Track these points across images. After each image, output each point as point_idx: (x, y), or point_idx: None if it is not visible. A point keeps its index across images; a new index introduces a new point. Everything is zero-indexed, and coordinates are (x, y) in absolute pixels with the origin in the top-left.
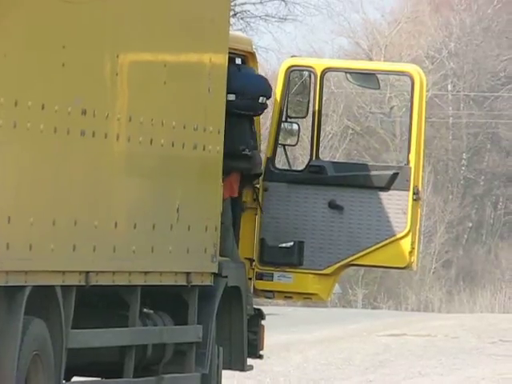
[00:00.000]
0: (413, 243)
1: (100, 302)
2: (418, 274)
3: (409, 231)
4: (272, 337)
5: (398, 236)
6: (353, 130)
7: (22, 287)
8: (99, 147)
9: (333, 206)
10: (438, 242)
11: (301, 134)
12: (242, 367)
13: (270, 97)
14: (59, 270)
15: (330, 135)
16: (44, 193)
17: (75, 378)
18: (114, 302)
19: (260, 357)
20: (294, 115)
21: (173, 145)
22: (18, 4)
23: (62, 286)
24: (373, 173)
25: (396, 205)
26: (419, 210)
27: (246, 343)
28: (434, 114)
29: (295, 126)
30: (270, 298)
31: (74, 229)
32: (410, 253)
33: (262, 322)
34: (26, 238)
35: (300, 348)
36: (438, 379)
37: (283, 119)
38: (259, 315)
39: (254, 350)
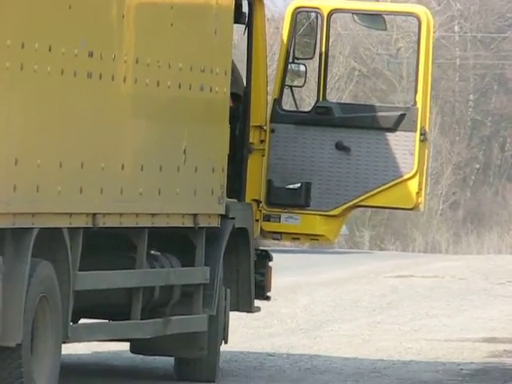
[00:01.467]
0: (420, 184)
1: (107, 244)
2: (425, 215)
3: (416, 172)
4: (279, 279)
5: (405, 177)
6: (359, 71)
7: (29, 229)
8: (106, 89)
9: (340, 147)
10: (445, 184)
11: (307, 75)
12: (250, 309)
13: None
14: (66, 212)
15: (337, 77)
16: (51, 135)
17: (82, 321)
18: (122, 244)
19: (267, 298)
20: (300, 56)
21: (180, 86)
22: None
23: (69, 228)
24: (380, 114)
25: (403, 146)
26: (426, 151)
27: (253, 285)
28: (441, 56)
29: (302, 68)
30: (277, 239)
31: (80, 171)
32: (417, 194)
33: (270, 264)
34: (32, 180)
35: (307, 290)
36: (446, 320)
37: (290, 60)
38: (266, 257)
39: (262, 292)
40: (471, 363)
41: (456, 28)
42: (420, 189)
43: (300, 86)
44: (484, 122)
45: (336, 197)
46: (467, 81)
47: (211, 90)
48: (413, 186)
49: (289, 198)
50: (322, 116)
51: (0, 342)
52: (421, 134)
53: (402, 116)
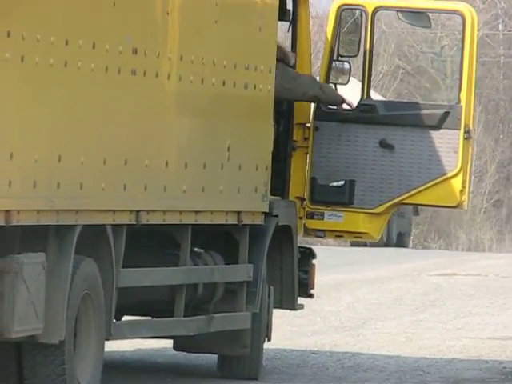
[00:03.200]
0: (464, 182)
1: (151, 242)
2: (469, 213)
3: (460, 170)
4: (322, 276)
5: (449, 175)
6: (403, 69)
7: (73, 226)
8: (150, 86)
9: (384, 144)
10: (489, 182)
11: (352, 73)
12: (293, 306)
13: None
14: (110, 209)
15: (381, 74)
16: (95, 132)
17: (125, 318)
18: (165, 242)
19: (311, 296)
20: (345, 54)
21: (224, 84)
22: None
23: (112, 225)
24: (424, 112)
25: (447, 144)
26: (470, 149)
27: (296, 282)
28: (485, 54)
29: (346, 65)
30: (320, 236)
31: (124, 168)
32: (461, 192)
33: (313, 262)
34: (76, 177)
35: (350, 288)
36: (489, 318)
37: (334, 58)
38: (310, 254)
39: (305, 289)
40: None
41: (500, 26)
42: (464, 187)
43: (344, 84)
44: None
45: (380, 195)
46: (511, 79)
47: (255, 88)
48: (457, 183)
49: (332, 195)
50: (366, 114)
51: (43, 339)
52: (465, 132)
53: (446, 114)
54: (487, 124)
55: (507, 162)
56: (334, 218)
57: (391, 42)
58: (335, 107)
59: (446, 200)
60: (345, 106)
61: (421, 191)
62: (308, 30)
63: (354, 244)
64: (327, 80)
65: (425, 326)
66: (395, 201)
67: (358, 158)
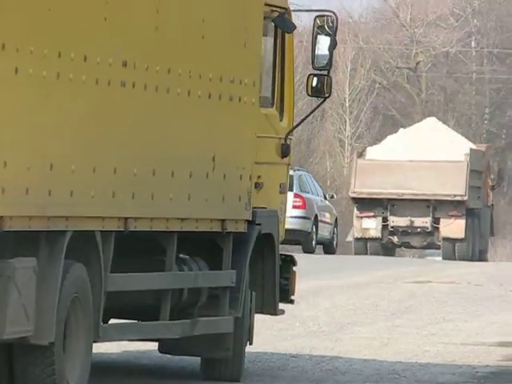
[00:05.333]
0: None
1: (138, 248)
2: None
3: None
4: (301, 282)
5: None
6: (380, 84)
7: (63, 232)
8: (139, 98)
9: None
10: None
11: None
12: (274, 311)
13: None
14: (99, 215)
15: (358, 89)
16: (85, 141)
17: (113, 321)
18: (152, 248)
19: (291, 302)
20: None
21: (210, 96)
22: None
23: (101, 231)
24: None
25: None
26: None
27: (277, 288)
28: (458, 70)
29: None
30: None
31: (113, 176)
32: None
33: (294, 269)
34: (67, 185)
35: (328, 294)
36: (462, 325)
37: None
38: (291, 261)
39: (286, 295)
40: (486, 366)
41: (473, 43)
42: None
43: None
44: (499, 134)
45: None
46: (483, 94)
47: (240, 100)
48: None
49: None
50: None
51: (34, 340)
52: None
53: None
54: None
55: None
56: None
57: (368, 58)
58: None
59: None
60: None
61: None
62: (291, 45)
63: (327, 252)
64: None
65: (400, 331)
66: None
67: None
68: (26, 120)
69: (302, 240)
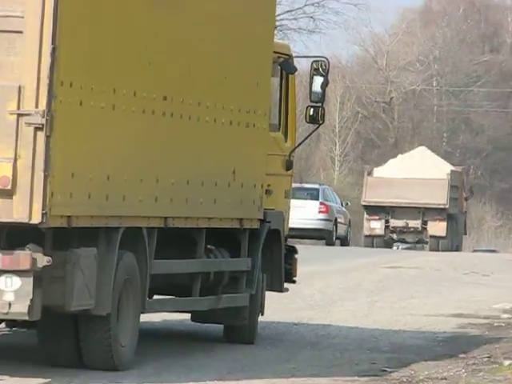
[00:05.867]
0: None
1: (175, 240)
2: None
3: None
4: (301, 268)
5: None
6: (362, 114)
7: (117, 228)
8: (176, 125)
9: None
10: None
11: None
12: (280, 289)
13: None
14: (145, 215)
15: (345, 118)
16: (134, 157)
17: (156, 297)
18: (186, 240)
19: (293, 282)
20: None
21: (231, 123)
22: (122, 20)
23: (147, 227)
24: None
25: None
26: None
27: (283, 271)
28: (423, 104)
29: None
30: None
31: (156, 185)
32: None
33: (296, 256)
34: (120, 192)
35: (322, 276)
36: (426, 300)
37: None
38: (293, 251)
39: (289, 277)
40: (444, 332)
41: (434, 83)
42: None
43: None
44: (454, 153)
45: None
46: (441, 122)
47: (254, 126)
48: None
49: None
50: None
51: (94, 312)
52: None
53: None
54: None
55: None
56: None
57: (353, 94)
58: None
59: None
60: None
61: None
62: (294, 84)
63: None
64: None
65: (378, 305)
66: None
67: None
68: (88, 141)
69: (326, 236)
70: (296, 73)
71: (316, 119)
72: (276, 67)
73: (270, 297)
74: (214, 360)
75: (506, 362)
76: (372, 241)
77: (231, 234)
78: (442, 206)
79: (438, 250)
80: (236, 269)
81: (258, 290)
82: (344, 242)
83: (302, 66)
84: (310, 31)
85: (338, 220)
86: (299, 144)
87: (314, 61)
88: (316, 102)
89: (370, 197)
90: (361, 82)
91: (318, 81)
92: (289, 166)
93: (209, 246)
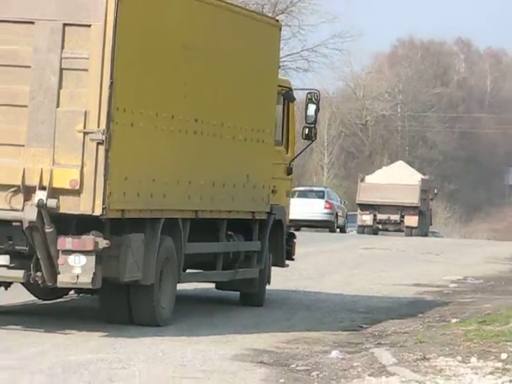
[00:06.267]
0: None
1: (204, 228)
2: None
3: None
4: (298, 249)
5: None
6: (344, 133)
7: (159, 219)
8: (204, 140)
9: None
10: None
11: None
12: (283, 265)
13: None
14: (180, 209)
15: (332, 136)
16: (171, 165)
17: (189, 270)
18: (211, 228)
19: (293, 259)
20: None
21: (245, 139)
22: (157, 57)
23: (182, 218)
24: None
25: None
26: None
27: (284, 251)
28: (390, 125)
29: None
30: None
31: (189, 186)
32: None
33: (294, 240)
34: (162, 191)
35: (315, 255)
36: (393, 273)
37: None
38: (293, 236)
39: (290, 256)
40: (406, 298)
41: (399, 109)
42: None
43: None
44: (414, 162)
45: None
46: (404, 139)
47: (263, 142)
48: None
49: None
50: None
51: (142, 282)
52: None
53: None
54: (390, 164)
55: None
56: None
57: (337, 118)
58: None
59: None
60: None
61: None
62: (293, 109)
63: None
64: None
65: (356, 277)
66: None
67: None
68: (137, 153)
69: (329, 225)
70: (295, 101)
71: (310, 137)
72: (280, 97)
73: (275, 271)
74: (232, 319)
75: (453, 320)
76: (363, 230)
77: (245, 223)
78: (415, 205)
79: (411, 236)
80: (249, 249)
81: (265, 265)
82: (342, 229)
83: (299, 96)
84: (305, 70)
85: (338, 214)
86: (297, 155)
87: (309, 92)
88: (310, 124)
89: (363, 197)
90: (343, 108)
91: (312, 107)
92: (289, 171)
93: (229, 232)
